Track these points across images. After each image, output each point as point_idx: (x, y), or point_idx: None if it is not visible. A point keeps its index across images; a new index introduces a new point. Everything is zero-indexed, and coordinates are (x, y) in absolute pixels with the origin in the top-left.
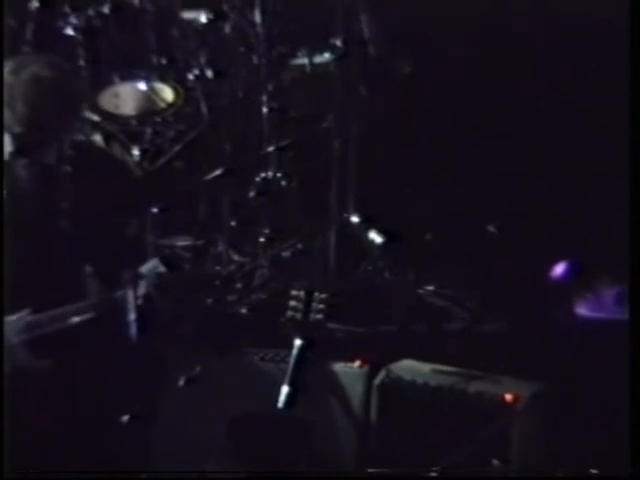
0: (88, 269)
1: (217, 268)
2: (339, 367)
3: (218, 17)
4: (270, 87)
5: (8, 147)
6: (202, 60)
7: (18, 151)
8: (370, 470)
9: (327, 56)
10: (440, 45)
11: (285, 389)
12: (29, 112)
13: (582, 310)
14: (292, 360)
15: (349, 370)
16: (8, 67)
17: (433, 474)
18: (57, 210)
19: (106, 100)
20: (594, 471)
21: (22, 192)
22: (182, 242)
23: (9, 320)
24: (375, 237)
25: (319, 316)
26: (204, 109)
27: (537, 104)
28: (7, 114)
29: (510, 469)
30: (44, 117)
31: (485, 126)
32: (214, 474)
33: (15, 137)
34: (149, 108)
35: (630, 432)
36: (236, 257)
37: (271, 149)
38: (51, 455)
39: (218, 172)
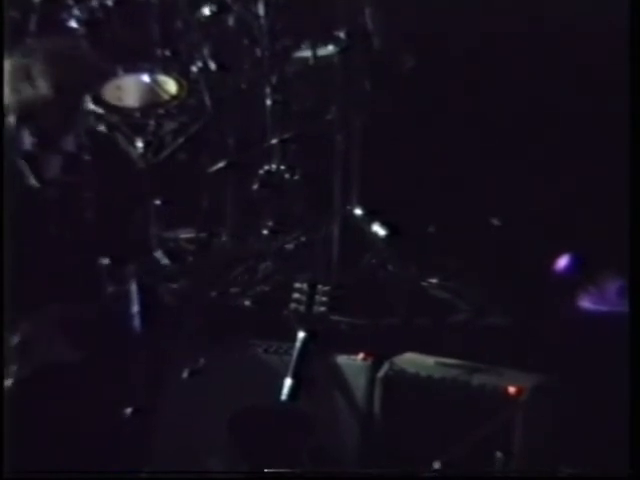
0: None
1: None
2: (342, 360)
3: (222, 10)
4: (273, 80)
5: (28, 137)
6: (205, 52)
7: (39, 137)
8: (371, 470)
9: (331, 49)
10: (444, 39)
11: (288, 381)
12: (52, 87)
13: (585, 303)
14: (295, 352)
15: (352, 363)
16: (18, 52)
17: (434, 471)
18: (80, 200)
19: (109, 92)
20: (594, 470)
21: (44, 181)
22: (185, 234)
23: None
24: (378, 230)
25: (322, 309)
26: (207, 101)
27: (540, 98)
28: (29, 94)
29: (513, 462)
30: (67, 92)
31: (488, 119)
32: (215, 474)
33: (37, 120)
34: (152, 100)
35: (630, 432)
36: (240, 249)
37: (274, 142)
38: (52, 452)
39: (221, 164)
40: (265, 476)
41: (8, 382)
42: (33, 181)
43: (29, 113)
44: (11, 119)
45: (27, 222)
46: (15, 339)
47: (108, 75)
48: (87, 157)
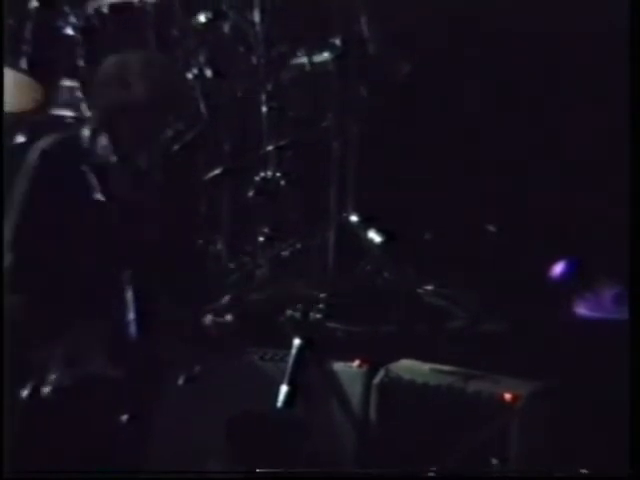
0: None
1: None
2: (338, 366)
3: (217, 17)
4: (269, 86)
5: (101, 148)
6: (201, 59)
7: (114, 148)
8: (369, 470)
9: (326, 56)
10: (439, 45)
11: (284, 388)
12: (147, 93)
13: (581, 310)
14: (291, 359)
15: (348, 369)
16: (109, 60)
17: (431, 474)
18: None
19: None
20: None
21: (111, 197)
22: None
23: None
24: (374, 236)
25: (318, 315)
26: (203, 108)
27: (537, 104)
28: (121, 97)
29: (509, 469)
30: (155, 105)
31: (484, 126)
32: (213, 474)
33: (116, 130)
34: None
35: (630, 432)
36: (235, 256)
37: (270, 148)
38: (51, 455)
39: (217, 171)
40: (265, 476)
41: (46, 389)
42: (99, 195)
43: (111, 120)
44: (87, 129)
45: (77, 233)
46: (59, 349)
47: (191, 98)
48: (158, 176)
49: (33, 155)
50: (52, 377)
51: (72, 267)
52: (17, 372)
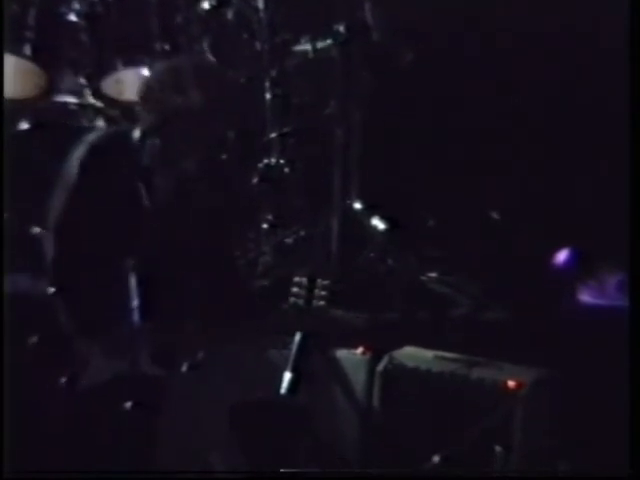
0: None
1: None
2: (341, 354)
3: (221, 3)
4: (273, 73)
5: (148, 154)
6: (205, 46)
7: (163, 154)
8: (371, 470)
9: (330, 42)
10: (443, 32)
11: (287, 375)
12: (203, 100)
13: (585, 297)
14: (294, 346)
15: (351, 357)
16: (162, 65)
17: (435, 461)
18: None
19: (109, 86)
20: (594, 465)
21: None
22: None
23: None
24: (378, 224)
25: (322, 303)
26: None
27: (540, 91)
28: (176, 103)
29: (512, 456)
30: (215, 103)
31: (488, 113)
32: (215, 475)
33: (165, 136)
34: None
35: (630, 432)
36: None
37: (274, 135)
38: (52, 449)
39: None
40: (265, 476)
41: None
42: (146, 202)
43: (164, 125)
44: (138, 129)
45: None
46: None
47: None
48: (203, 185)
49: (82, 149)
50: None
51: (110, 264)
52: (55, 365)
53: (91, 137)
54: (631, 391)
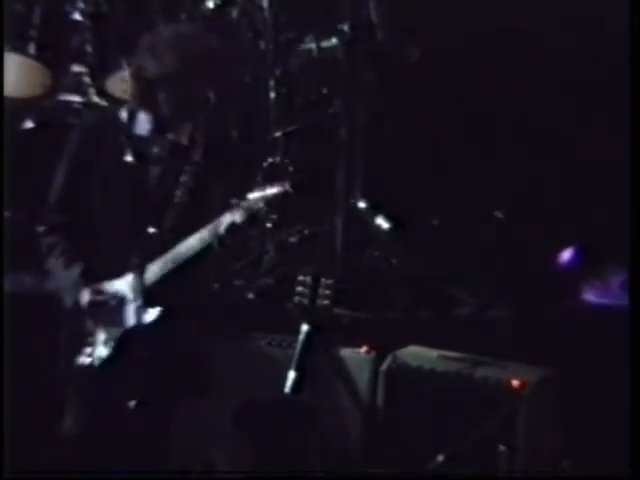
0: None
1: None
2: (346, 353)
3: (226, 2)
4: (277, 72)
5: (146, 124)
6: None
7: (154, 123)
8: (372, 471)
9: (335, 41)
10: (448, 30)
11: (292, 374)
12: (179, 65)
13: (589, 296)
14: (299, 345)
15: (356, 356)
16: (145, 36)
17: (439, 460)
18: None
19: (114, 85)
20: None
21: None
22: None
23: None
24: (382, 223)
25: (326, 302)
26: (211, 94)
27: (544, 89)
28: (153, 70)
29: (516, 455)
30: (192, 73)
31: (492, 111)
32: (216, 475)
33: (153, 106)
34: None
35: (630, 432)
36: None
37: (278, 134)
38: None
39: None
40: (265, 476)
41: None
42: (130, 157)
43: (146, 94)
44: (124, 110)
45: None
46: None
47: (233, 73)
48: (198, 152)
49: (74, 134)
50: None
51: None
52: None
53: (80, 123)
54: (632, 392)
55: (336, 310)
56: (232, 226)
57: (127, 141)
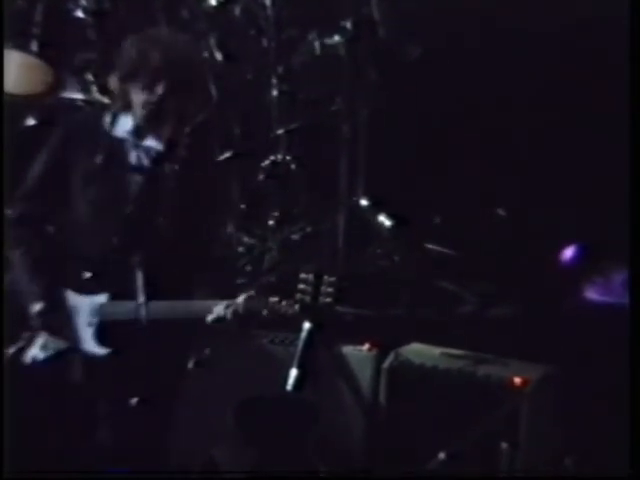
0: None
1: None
2: (348, 350)
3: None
4: (280, 70)
5: (128, 124)
6: (212, 42)
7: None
8: (373, 470)
9: (337, 39)
10: (450, 28)
11: (294, 372)
12: (164, 62)
13: (591, 294)
14: (301, 343)
15: (358, 353)
16: (131, 38)
17: (441, 457)
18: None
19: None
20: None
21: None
22: None
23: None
24: (384, 220)
25: (328, 299)
26: (213, 92)
27: (547, 87)
28: (139, 63)
29: (518, 453)
30: (178, 73)
31: (495, 109)
32: (216, 475)
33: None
34: None
35: (630, 432)
36: (245, 240)
37: (280, 132)
38: (55, 443)
39: (227, 155)
40: (265, 476)
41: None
42: (103, 160)
43: (128, 95)
44: (109, 113)
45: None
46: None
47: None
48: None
49: (56, 133)
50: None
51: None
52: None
53: (62, 123)
54: (632, 392)
55: (338, 308)
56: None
57: (107, 144)
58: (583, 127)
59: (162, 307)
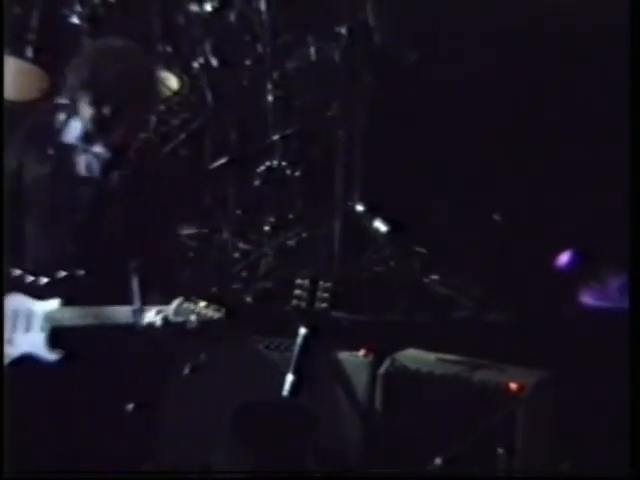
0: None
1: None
2: (344, 356)
3: (223, 5)
4: (275, 75)
5: (77, 129)
6: (207, 48)
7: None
8: (373, 471)
9: (332, 44)
10: (445, 34)
11: (290, 378)
12: (113, 80)
13: (587, 299)
14: (297, 349)
15: (354, 359)
16: (83, 50)
17: (438, 463)
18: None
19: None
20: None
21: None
22: (187, 230)
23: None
24: (380, 226)
25: (324, 305)
26: (209, 97)
27: (542, 93)
28: (88, 79)
29: (515, 458)
30: (127, 91)
31: (490, 114)
32: (215, 475)
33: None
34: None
35: (630, 432)
36: (241, 245)
37: (276, 138)
38: (53, 449)
39: (223, 160)
40: (265, 476)
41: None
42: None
43: (76, 102)
44: (62, 114)
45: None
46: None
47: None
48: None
49: (16, 133)
50: None
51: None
52: None
53: (26, 118)
54: (631, 392)
55: (334, 313)
56: (150, 326)
57: (57, 148)
58: (579, 132)
59: (77, 313)
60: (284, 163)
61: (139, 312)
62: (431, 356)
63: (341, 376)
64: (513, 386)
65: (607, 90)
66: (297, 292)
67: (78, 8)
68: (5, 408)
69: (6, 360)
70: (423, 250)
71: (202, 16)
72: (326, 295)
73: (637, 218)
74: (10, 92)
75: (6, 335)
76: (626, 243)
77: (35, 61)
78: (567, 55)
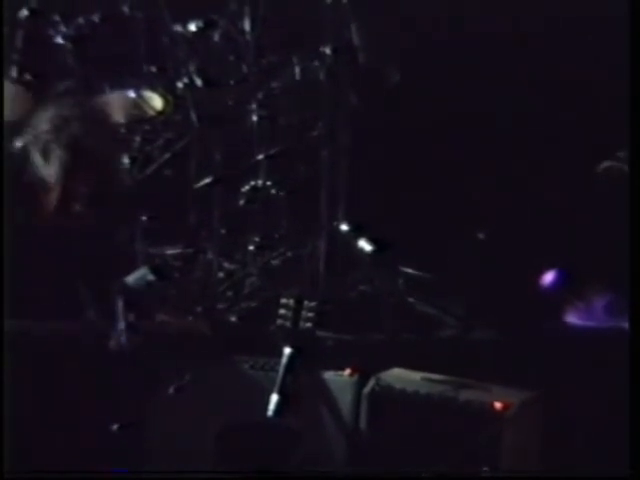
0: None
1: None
2: (328, 375)
3: (208, 26)
4: (260, 95)
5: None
6: (192, 68)
7: None
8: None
9: (317, 64)
10: (429, 53)
11: (274, 397)
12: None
13: (572, 318)
14: (281, 368)
15: (339, 378)
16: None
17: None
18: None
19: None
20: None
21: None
22: (172, 250)
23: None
24: (364, 245)
25: (308, 324)
26: (193, 117)
27: (528, 112)
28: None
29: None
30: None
31: (475, 134)
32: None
33: None
34: (138, 116)
35: (630, 432)
36: (226, 265)
37: (261, 157)
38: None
39: (208, 180)
40: (260, 476)
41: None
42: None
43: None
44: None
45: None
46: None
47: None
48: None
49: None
50: None
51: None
52: None
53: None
54: (631, 392)
55: (319, 333)
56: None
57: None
58: (564, 152)
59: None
60: (269, 183)
61: (123, 332)
62: (416, 375)
63: (326, 396)
64: (498, 405)
65: (605, 100)
66: (282, 311)
67: (63, 28)
68: (5, 408)
69: None
70: (408, 270)
71: (186, 36)
72: (311, 315)
73: (636, 231)
74: None
75: None
76: (612, 262)
77: (19, 81)
78: (561, 66)
